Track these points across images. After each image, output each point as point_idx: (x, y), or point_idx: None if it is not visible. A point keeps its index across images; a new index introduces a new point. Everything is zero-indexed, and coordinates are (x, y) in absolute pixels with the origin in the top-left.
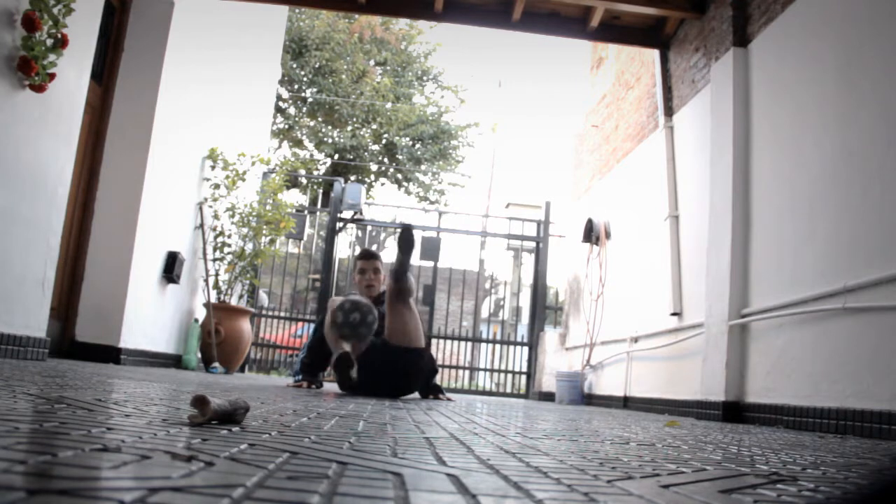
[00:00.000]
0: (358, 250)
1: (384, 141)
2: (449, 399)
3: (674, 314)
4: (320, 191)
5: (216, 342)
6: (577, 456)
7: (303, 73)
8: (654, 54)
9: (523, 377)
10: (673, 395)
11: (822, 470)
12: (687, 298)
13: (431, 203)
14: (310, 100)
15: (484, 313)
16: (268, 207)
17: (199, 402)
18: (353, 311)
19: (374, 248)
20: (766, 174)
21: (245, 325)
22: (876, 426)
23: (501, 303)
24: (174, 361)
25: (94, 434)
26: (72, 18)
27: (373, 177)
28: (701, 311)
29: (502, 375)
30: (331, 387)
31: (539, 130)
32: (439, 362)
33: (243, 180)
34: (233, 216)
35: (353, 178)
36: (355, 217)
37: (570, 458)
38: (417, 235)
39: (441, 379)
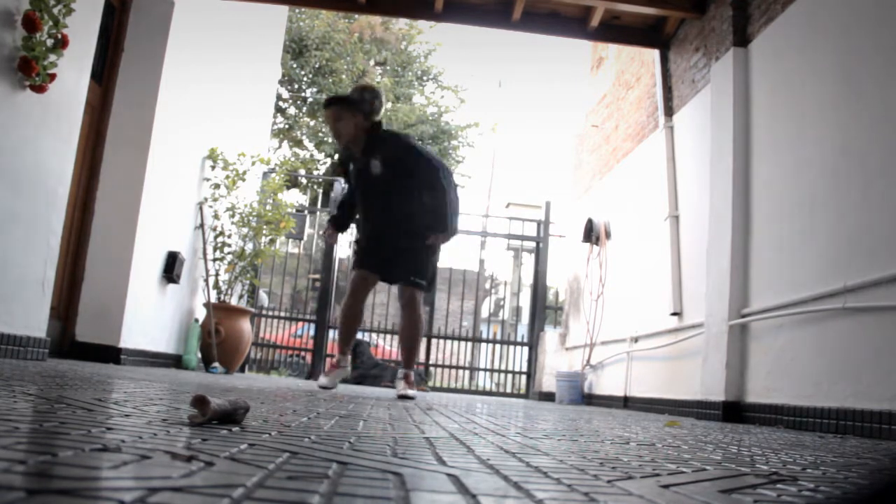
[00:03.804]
0: None
1: None
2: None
3: (674, 314)
4: (320, 191)
5: (216, 342)
6: (578, 456)
7: (303, 72)
8: (654, 54)
9: (523, 377)
10: (673, 395)
11: (822, 470)
12: (687, 298)
13: None
14: (310, 100)
15: (484, 313)
16: (268, 207)
17: (199, 402)
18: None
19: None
20: (766, 174)
21: (245, 325)
22: (876, 426)
23: (501, 303)
24: (174, 361)
25: (94, 434)
26: (72, 18)
27: None
28: (701, 311)
29: (502, 375)
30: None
31: (539, 130)
32: (439, 362)
33: (243, 180)
34: (233, 216)
35: None
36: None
37: (570, 458)
38: None
39: (441, 379)
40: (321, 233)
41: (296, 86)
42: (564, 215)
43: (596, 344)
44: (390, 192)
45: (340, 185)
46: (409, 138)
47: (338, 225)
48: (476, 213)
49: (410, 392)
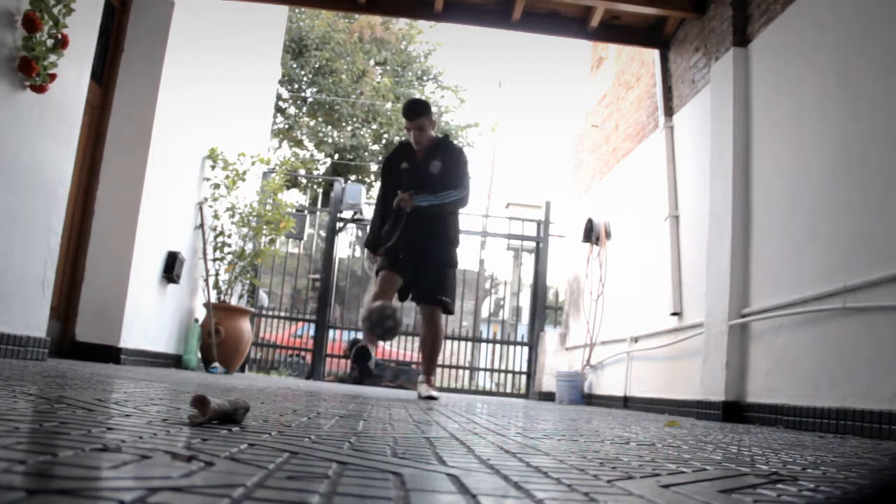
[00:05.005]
0: (358, 251)
1: (384, 141)
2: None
3: (674, 314)
4: (320, 191)
5: (216, 342)
6: (578, 456)
7: (303, 72)
8: (654, 54)
9: (523, 377)
10: (673, 395)
11: (822, 470)
12: (687, 298)
13: None
14: (310, 100)
15: (484, 313)
16: (268, 207)
17: (199, 402)
18: (376, 321)
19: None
20: (766, 174)
21: (245, 325)
22: (876, 426)
23: (501, 303)
24: (174, 361)
25: (94, 434)
26: (72, 18)
27: (373, 177)
28: (701, 311)
29: (502, 375)
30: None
31: (539, 130)
32: (439, 362)
33: (243, 180)
34: (233, 216)
35: (353, 178)
36: (355, 217)
37: (570, 458)
38: None
39: (441, 379)
40: (367, 263)
41: (296, 86)
42: (564, 215)
43: (596, 344)
44: (435, 189)
45: (340, 185)
46: (463, 153)
47: (378, 245)
48: (476, 213)
49: (434, 393)
